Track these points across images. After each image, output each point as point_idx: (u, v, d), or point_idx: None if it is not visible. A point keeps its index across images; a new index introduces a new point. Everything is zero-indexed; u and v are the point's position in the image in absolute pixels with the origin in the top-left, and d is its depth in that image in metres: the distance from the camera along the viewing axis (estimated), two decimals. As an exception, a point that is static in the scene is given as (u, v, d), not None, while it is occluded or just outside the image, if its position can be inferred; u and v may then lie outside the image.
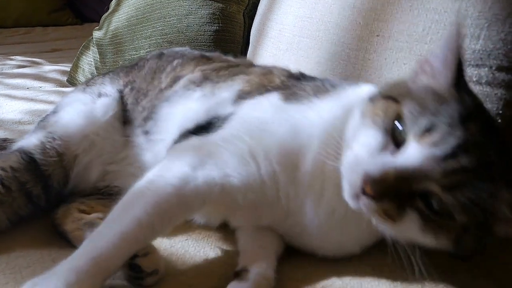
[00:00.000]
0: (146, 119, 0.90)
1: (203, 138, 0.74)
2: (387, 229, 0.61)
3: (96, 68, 1.69)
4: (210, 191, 0.68)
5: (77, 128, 0.89)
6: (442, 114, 0.57)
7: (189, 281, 0.71)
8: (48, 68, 2.07)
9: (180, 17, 1.48)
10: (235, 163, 0.69)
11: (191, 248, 0.80)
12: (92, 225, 0.77)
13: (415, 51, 0.86)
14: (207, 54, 1.02)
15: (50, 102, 1.54)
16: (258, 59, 1.27)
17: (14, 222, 0.79)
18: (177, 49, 1.09)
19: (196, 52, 1.03)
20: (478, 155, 0.55)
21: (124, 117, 0.95)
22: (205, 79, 0.89)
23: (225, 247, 0.81)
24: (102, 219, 0.78)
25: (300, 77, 0.84)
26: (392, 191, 0.57)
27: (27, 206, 0.81)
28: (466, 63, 0.80)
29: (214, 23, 1.45)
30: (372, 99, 0.66)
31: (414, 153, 0.56)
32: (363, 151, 0.60)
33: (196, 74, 0.92)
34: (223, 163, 0.69)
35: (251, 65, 0.96)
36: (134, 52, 1.55)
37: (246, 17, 1.51)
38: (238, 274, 0.67)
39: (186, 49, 1.07)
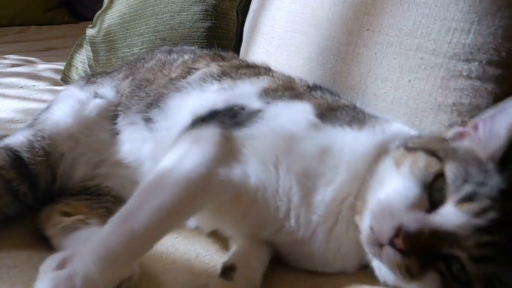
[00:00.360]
0: (150, 105, 0.88)
1: (227, 130, 0.71)
2: (400, 283, 0.61)
3: (90, 66, 1.68)
4: (227, 187, 0.67)
5: (66, 127, 0.89)
6: (485, 186, 0.57)
7: (178, 279, 0.70)
8: (42, 67, 2.06)
9: (173, 14, 1.47)
10: (257, 167, 0.68)
11: (182, 246, 0.80)
12: (70, 229, 0.76)
13: (405, 45, 0.85)
14: (220, 52, 1.01)
15: (43, 101, 1.53)
16: (250, 55, 1.26)
17: (1, 220, 0.78)
18: (187, 47, 1.09)
19: (208, 51, 1.03)
20: (509, 234, 0.56)
21: (116, 112, 0.93)
22: (223, 74, 0.88)
23: (217, 245, 0.81)
24: (83, 221, 0.78)
25: (321, 90, 0.83)
26: (421, 249, 0.57)
27: (13, 205, 0.80)
28: (456, 57, 0.80)
29: (207, 20, 1.44)
30: (408, 148, 0.65)
31: (452, 217, 0.57)
32: (398, 201, 0.59)
33: (213, 68, 0.91)
34: (246, 162, 0.68)
35: (270, 69, 0.95)
36: (127, 50, 1.54)
37: (239, 14, 1.50)
38: (224, 272, 0.66)
39: (195, 48, 1.07)
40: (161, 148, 0.80)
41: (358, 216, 0.65)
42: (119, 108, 0.94)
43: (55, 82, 1.83)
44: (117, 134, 0.91)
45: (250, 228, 0.73)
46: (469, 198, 0.57)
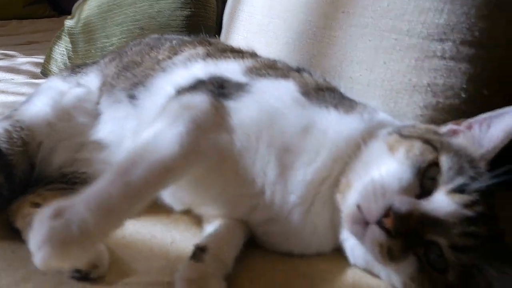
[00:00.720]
0: (136, 84, 0.89)
1: (215, 99, 0.72)
2: (367, 259, 0.63)
3: (69, 58, 1.66)
4: (215, 150, 0.68)
5: (45, 116, 0.89)
6: (476, 181, 0.59)
7: (153, 265, 0.70)
8: (22, 61, 2.03)
9: (152, 2, 1.45)
10: (241, 137, 0.69)
11: (158, 233, 0.79)
12: None
13: (380, 26, 0.85)
14: (208, 38, 1.02)
15: (22, 94, 1.50)
16: (230, 43, 1.25)
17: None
18: (176, 36, 1.10)
19: (196, 37, 1.04)
20: (490, 228, 0.59)
21: (98, 95, 0.94)
22: (208, 55, 0.89)
23: (194, 231, 0.80)
24: None
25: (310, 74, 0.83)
26: (408, 232, 0.58)
27: None
28: (430, 37, 0.80)
29: (186, 8, 1.42)
30: (402, 135, 0.66)
31: (443, 205, 0.58)
32: (392, 183, 0.60)
33: (199, 50, 0.92)
34: (232, 131, 0.69)
35: (255, 54, 0.96)
36: (106, 40, 1.52)
37: (219, 1, 1.48)
38: (195, 254, 0.66)
39: (184, 37, 1.08)
40: (143, 124, 0.80)
41: (340, 194, 0.65)
42: (103, 88, 0.94)
43: (34, 75, 1.80)
44: (99, 116, 0.91)
45: (227, 205, 0.74)
46: (461, 190, 0.59)
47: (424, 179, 0.61)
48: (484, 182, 0.59)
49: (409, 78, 0.81)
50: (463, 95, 0.78)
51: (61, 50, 1.71)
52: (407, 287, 0.62)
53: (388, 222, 0.57)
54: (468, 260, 0.58)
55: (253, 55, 0.95)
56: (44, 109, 0.89)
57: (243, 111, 0.71)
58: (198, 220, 0.83)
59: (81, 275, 0.63)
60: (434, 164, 0.61)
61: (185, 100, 0.73)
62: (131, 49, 1.03)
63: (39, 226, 0.54)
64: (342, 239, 0.68)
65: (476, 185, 0.59)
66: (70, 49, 1.64)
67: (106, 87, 0.94)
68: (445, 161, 0.61)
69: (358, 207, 0.60)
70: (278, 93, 0.73)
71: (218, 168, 0.71)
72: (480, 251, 0.58)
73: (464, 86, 0.78)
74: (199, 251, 0.66)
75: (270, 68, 0.82)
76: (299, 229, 0.69)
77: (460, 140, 0.66)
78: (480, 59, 0.78)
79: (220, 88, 0.74)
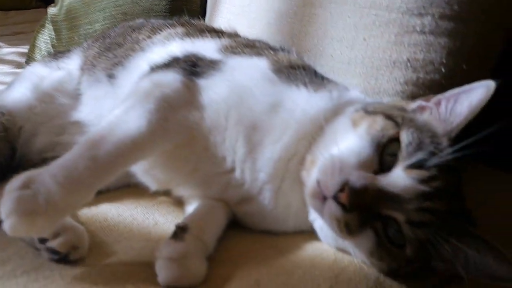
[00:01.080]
0: (116, 64, 0.89)
1: (187, 77, 0.72)
2: (335, 237, 0.63)
3: (53, 46, 1.64)
4: (184, 127, 0.69)
5: (26, 101, 0.90)
6: (435, 157, 0.59)
7: (134, 246, 0.70)
8: (7, 51, 2.02)
9: (134, -13, 1.43)
10: (211, 114, 0.69)
11: (140, 216, 0.79)
12: None
13: (359, 3, 0.84)
14: (192, 21, 1.02)
15: (6, 84, 1.48)
16: (214, 26, 1.24)
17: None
18: (161, 20, 1.10)
19: (180, 19, 1.04)
20: (448, 203, 0.59)
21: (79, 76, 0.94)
22: (187, 35, 0.90)
23: (176, 213, 0.80)
24: None
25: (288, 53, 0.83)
26: (363, 207, 0.58)
27: None
28: (409, 12, 0.79)
29: (169, -8, 1.41)
30: (367, 111, 0.66)
31: (399, 180, 0.58)
32: (350, 158, 0.60)
33: (179, 30, 0.93)
34: (202, 109, 0.70)
35: (235, 34, 0.96)
36: (89, 27, 1.50)
37: (203, -15, 1.46)
38: (176, 233, 0.65)
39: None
40: (119, 102, 0.79)
41: (306, 171, 0.66)
42: (85, 67, 0.95)
43: (19, 65, 1.79)
44: (79, 96, 0.92)
45: (200, 183, 0.74)
46: (418, 165, 0.58)
47: (384, 155, 0.60)
48: (442, 157, 0.58)
49: (389, 54, 0.80)
50: (443, 70, 0.77)
51: (45, 39, 1.69)
52: (370, 262, 0.63)
53: (343, 197, 0.57)
54: (425, 235, 0.58)
55: (232, 35, 0.94)
56: (25, 94, 0.90)
57: (213, 89, 0.71)
58: (180, 204, 0.82)
59: (61, 257, 0.63)
60: (395, 140, 0.61)
61: (156, 78, 0.73)
62: (115, 31, 1.04)
63: (8, 195, 0.55)
64: (311, 219, 0.69)
65: (434, 161, 0.58)
66: (54, 37, 1.63)
67: (87, 66, 0.94)
68: (405, 136, 0.60)
69: (318, 182, 0.61)
70: (249, 71, 0.73)
71: (189, 146, 0.71)
72: (436, 226, 0.57)
73: (444, 60, 0.77)
74: (180, 230, 0.65)
75: (246, 47, 0.82)
76: (272, 207, 0.69)
77: (425, 116, 0.66)
78: (459, 33, 0.77)
79: (193, 67, 0.74)
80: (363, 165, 0.60)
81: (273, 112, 0.68)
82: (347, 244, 0.63)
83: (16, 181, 0.56)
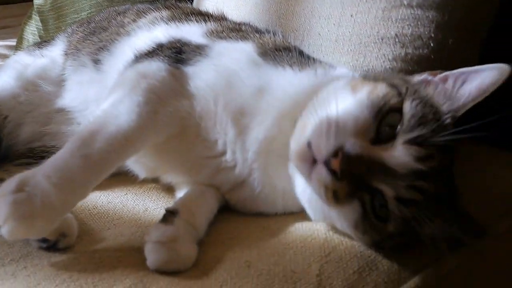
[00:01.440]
0: (101, 49, 0.88)
1: (172, 66, 0.71)
2: (323, 210, 0.61)
3: (40, 37, 1.62)
4: (175, 118, 0.68)
5: (10, 90, 0.89)
6: (436, 135, 0.56)
7: (124, 232, 0.69)
8: (-5, 45, 1.99)
9: (119, -27, 1.41)
10: (200, 101, 0.69)
11: (130, 202, 0.79)
12: None
13: (346, -20, 0.82)
14: (177, 3, 1.01)
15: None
16: (201, 9, 1.22)
17: None
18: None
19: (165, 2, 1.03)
20: (439, 184, 0.57)
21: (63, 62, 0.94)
22: (173, 18, 0.88)
23: (167, 199, 0.80)
24: None
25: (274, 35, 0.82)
26: (354, 177, 0.55)
27: None
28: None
29: (155, -23, 1.38)
30: (368, 78, 0.64)
31: (397, 154, 0.56)
32: (348, 122, 0.57)
33: (164, 13, 0.91)
34: (191, 97, 0.69)
35: (222, 18, 0.95)
36: (75, 16, 1.48)
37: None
38: (165, 217, 0.65)
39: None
40: (105, 89, 0.79)
41: (295, 140, 0.63)
42: (69, 52, 0.94)
43: (6, 58, 1.76)
44: (63, 83, 0.91)
45: (191, 169, 0.73)
46: (418, 142, 0.56)
47: (382, 125, 0.58)
48: (443, 136, 0.56)
49: (376, 30, 0.79)
50: (432, 44, 0.76)
51: (32, 30, 1.67)
52: (354, 235, 0.62)
53: (335, 164, 0.55)
54: (410, 213, 0.56)
55: (218, 18, 0.93)
56: (9, 82, 0.90)
57: (200, 76, 0.70)
58: (171, 190, 0.82)
59: (49, 245, 0.63)
60: (397, 111, 0.58)
61: (142, 68, 0.72)
62: (100, 16, 1.03)
63: (2, 200, 0.53)
64: (298, 193, 0.67)
65: (435, 139, 0.56)
66: (41, 27, 1.61)
67: (72, 50, 0.93)
68: (408, 108, 0.58)
69: (309, 143, 0.58)
70: (236, 55, 0.72)
71: (180, 135, 0.70)
72: (424, 206, 0.56)
73: (433, 35, 0.76)
74: (170, 214, 0.65)
75: (232, 31, 0.81)
76: (261, 188, 0.69)
77: (430, 91, 0.63)
78: (447, 5, 0.75)
79: (178, 54, 0.73)
80: (360, 131, 0.57)
81: (259, 95, 0.67)
82: (333, 214, 0.61)
83: (9, 184, 0.54)
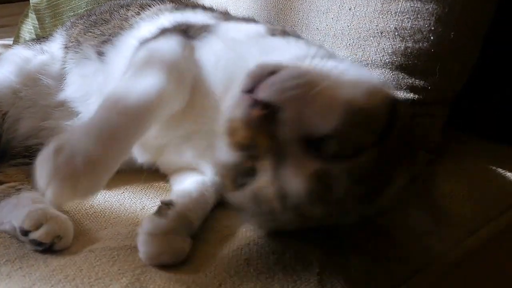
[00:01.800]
0: (104, 42, 0.87)
1: (179, 39, 0.72)
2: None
3: (36, 35, 1.61)
4: (192, 68, 0.69)
5: (9, 85, 0.88)
6: None
7: (121, 231, 0.68)
8: (-9, 43, 1.98)
9: (115, -31, 1.39)
10: (209, 69, 0.69)
11: (127, 200, 0.77)
12: (0, 197, 0.72)
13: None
14: None
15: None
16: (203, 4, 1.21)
17: None
18: None
19: None
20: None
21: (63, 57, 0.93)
22: (176, 10, 0.88)
23: (164, 196, 0.78)
24: (14, 187, 0.74)
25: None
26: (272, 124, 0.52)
27: None
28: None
29: (153, -27, 1.36)
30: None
31: None
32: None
33: (167, 6, 0.92)
34: (200, 65, 0.70)
35: (227, 13, 0.94)
36: (72, 13, 1.47)
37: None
38: (159, 209, 0.63)
39: None
40: (110, 79, 0.78)
41: None
42: (69, 45, 0.93)
43: (4, 57, 1.76)
44: (64, 77, 0.90)
45: (196, 147, 0.73)
46: None
47: None
48: None
49: (376, 23, 0.78)
50: (432, 38, 0.75)
51: (28, 28, 1.66)
52: None
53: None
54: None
55: (223, 13, 0.92)
56: (9, 77, 0.88)
57: (208, 47, 0.71)
58: (168, 189, 0.80)
59: (45, 248, 0.62)
60: None
61: (152, 46, 0.72)
62: (100, 9, 1.02)
63: (43, 165, 0.51)
64: None
65: None
66: (37, 26, 1.60)
67: (72, 43, 0.92)
68: None
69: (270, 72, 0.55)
70: (245, 29, 0.74)
71: (189, 105, 0.69)
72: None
73: (433, 28, 0.74)
74: (164, 206, 0.63)
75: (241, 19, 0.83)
76: None
77: None
78: (447, -2, 0.74)
79: (185, 32, 0.74)
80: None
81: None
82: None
83: (47, 150, 0.52)
